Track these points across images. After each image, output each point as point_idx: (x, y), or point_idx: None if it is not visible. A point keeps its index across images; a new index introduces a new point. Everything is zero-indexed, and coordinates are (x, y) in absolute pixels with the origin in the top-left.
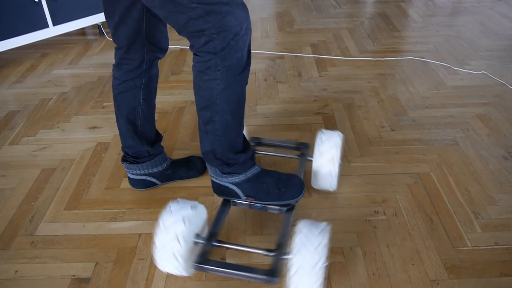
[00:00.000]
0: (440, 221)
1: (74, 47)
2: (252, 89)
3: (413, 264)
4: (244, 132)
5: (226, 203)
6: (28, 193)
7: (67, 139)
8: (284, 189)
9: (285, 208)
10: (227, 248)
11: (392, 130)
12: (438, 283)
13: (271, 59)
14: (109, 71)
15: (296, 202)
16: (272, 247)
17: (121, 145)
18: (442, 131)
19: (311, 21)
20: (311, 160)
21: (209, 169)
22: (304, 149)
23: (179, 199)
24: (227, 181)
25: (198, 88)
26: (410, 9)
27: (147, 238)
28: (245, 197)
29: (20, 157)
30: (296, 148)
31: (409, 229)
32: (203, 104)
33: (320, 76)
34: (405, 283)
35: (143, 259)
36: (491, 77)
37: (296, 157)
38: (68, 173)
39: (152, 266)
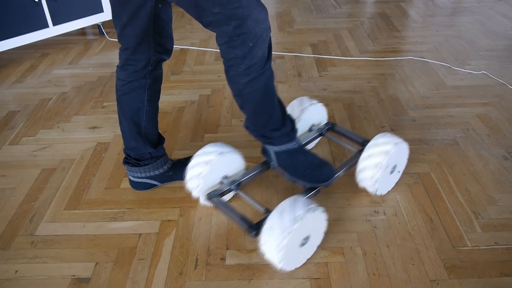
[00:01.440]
0: (440, 221)
1: (74, 47)
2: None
3: (413, 264)
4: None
5: (264, 164)
6: (28, 193)
7: (67, 139)
8: (311, 171)
9: (308, 186)
10: (236, 194)
11: (392, 130)
12: (438, 283)
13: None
14: (109, 71)
15: (319, 187)
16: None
17: (123, 147)
18: (442, 131)
19: (311, 21)
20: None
21: None
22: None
23: (221, 143)
24: (268, 147)
25: (227, 79)
26: (410, 9)
27: (147, 238)
28: (277, 165)
29: (20, 157)
30: (362, 144)
31: (409, 229)
32: (234, 92)
33: (320, 76)
34: (405, 283)
35: (143, 259)
36: (491, 77)
37: (355, 150)
38: (68, 173)
39: (152, 266)
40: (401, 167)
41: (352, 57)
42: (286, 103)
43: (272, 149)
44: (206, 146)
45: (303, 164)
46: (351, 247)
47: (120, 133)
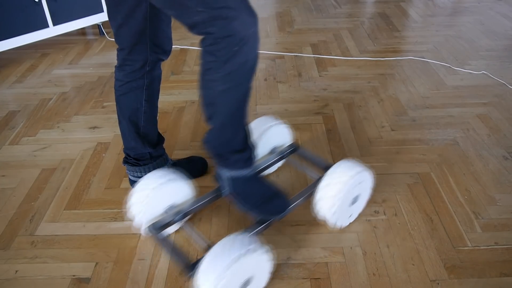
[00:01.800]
0: (440, 221)
1: (74, 47)
2: (252, 89)
3: (413, 264)
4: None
5: (215, 191)
6: (28, 193)
7: (67, 139)
8: (263, 202)
9: (259, 218)
10: (178, 224)
11: (392, 130)
12: (438, 283)
13: (271, 59)
14: (109, 71)
15: (270, 220)
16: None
17: (123, 147)
18: (442, 131)
19: (311, 21)
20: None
21: None
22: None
23: (171, 168)
24: (222, 171)
25: (200, 84)
26: (410, 9)
27: (147, 238)
28: (229, 193)
29: (20, 157)
30: (325, 169)
31: (409, 229)
32: (204, 100)
33: (320, 76)
34: (405, 283)
35: (143, 259)
36: (491, 77)
37: (316, 176)
38: (68, 173)
39: (153, 266)
40: (364, 197)
41: (352, 57)
42: (286, 103)
43: (226, 174)
44: (154, 171)
45: (255, 194)
46: (351, 247)
47: (120, 133)
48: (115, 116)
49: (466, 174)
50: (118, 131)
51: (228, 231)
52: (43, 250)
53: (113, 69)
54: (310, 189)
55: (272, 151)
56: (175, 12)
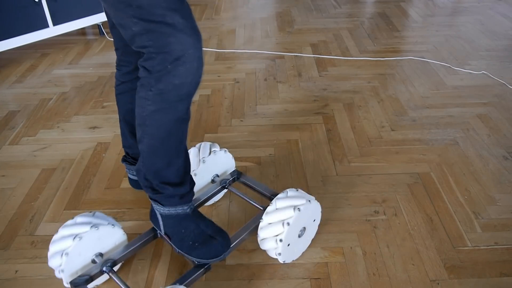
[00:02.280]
0: (440, 221)
1: (74, 47)
2: (252, 89)
3: (413, 264)
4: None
5: (150, 233)
6: (28, 193)
7: (67, 139)
8: (199, 244)
9: (197, 263)
10: (111, 277)
11: (392, 130)
12: (438, 283)
13: (271, 59)
14: (109, 71)
15: (208, 264)
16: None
17: (122, 144)
18: (442, 131)
19: (311, 21)
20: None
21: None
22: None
23: (96, 212)
24: (155, 206)
25: (136, 102)
26: (410, 9)
27: None
28: (164, 233)
29: (20, 157)
30: (270, 198)
31: (409, 229)
32: (137, 120)
33: (320, 76)
34: (405, 283)
35: (143, 259)
36: (491, 77)
37: (260, 207)
38: (68, 173)
39: (152, 266)
40: (313, 228)
41: (352, 57)
42: (286, 103)
43: (159, 211)
44: (77, 216)
45: (191, 235)
46: (351, 247)
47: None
48: (115, 116)
49: (466, 174)
50: (118, 131)
51: (168, 279)
52: (43, 250)
53: (113, 69)
54: (253, 223)
55: (213, 181)
56: (117, 22)
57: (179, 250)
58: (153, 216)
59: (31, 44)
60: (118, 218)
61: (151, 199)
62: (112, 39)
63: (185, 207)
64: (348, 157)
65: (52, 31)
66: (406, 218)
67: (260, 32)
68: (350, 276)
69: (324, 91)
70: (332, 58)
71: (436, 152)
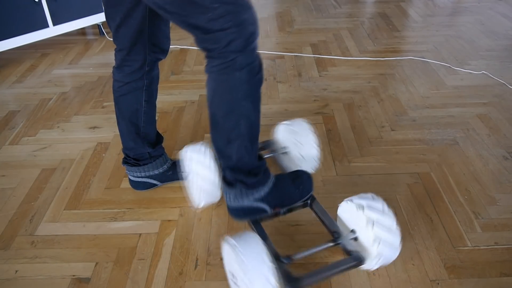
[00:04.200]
0: (440, 221)
1: (74, 47)
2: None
3: (413, 264)
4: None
5: (255, 223)
6: (28, 193)
7: (67, 139)
8: (301, 185)
9: (308, 201)
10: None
11: (392, 130)
12: (438, 283)
13: (271, 59)
14: (109, 71)
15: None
16: (325, 239)
17: (122, 146)
18: (442, 131)
19: (311, 21)
20: (286, 152)
21: (227, 196)
22: (273, 146)
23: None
24: (252, 199)
25: (219, 93)
26: (410, 9)
27: (147, 238)
28: (271, 209)
29: (20, 157)
30: (265, 147)
31: (409, 229)
32: (226, 109)
33: (320, 76)
34: (405, 283)
35: (143, 259)
36: (491, 77)
37: (269, 154)
38: (68, 173)
39: (152, 266)
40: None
41: (352, 57)
42: (286, 103)
43: (260, 196)
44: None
45: (291, 187)
46: None
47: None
48: (115, 116)
49: (466, 174)
50: (118, 131)
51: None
52: (43, 250)
53: None
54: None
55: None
56: (184, 16)
57: (294, 205)
58: (245, 213)
59: (31, 44)
60: (118, 218)
61: (249, 188)
62: (112, 39)
63: (272, 175)
64: (348, 157)
65: (52, 31)
66: (406, 218)
67: (260, 32)
68: (350, 276)
69: (324, 91)
70: (332, 58)
71: (436, 152)
